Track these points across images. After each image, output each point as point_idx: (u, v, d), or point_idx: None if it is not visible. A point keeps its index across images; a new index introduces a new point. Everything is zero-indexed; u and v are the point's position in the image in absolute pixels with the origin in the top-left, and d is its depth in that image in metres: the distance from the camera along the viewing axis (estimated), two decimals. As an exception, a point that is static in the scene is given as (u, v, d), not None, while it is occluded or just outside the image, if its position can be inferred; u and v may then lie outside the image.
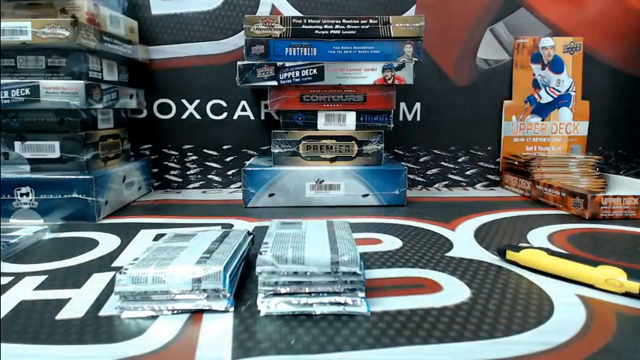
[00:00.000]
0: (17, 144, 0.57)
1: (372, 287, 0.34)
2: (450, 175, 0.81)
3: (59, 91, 0.55)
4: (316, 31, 0.62)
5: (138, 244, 0.47)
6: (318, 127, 0.66)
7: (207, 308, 0.30)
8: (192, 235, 0.38)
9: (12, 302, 0.32)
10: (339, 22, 0.62)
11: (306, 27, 0.62)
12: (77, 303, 0.32)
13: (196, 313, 0.30)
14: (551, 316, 0.30)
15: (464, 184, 0.81)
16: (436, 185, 0.81)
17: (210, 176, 0.79)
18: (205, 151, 0.78)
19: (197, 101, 0.77)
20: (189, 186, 0.79)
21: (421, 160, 0.81)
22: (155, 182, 0.78)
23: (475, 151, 0.81)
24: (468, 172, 0.81)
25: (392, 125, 0.66)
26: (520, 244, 0.42)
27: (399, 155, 0.80)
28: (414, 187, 0.80)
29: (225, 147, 0.78)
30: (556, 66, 0.79)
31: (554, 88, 0.79)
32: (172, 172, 0.78)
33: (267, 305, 0.30)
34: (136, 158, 0.75)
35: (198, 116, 0.77)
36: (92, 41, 0.57)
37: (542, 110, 0.80)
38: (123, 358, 0.25)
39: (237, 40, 0.75)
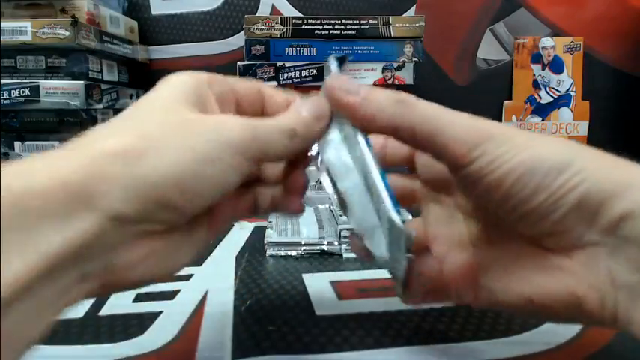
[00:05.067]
0: (17, 144, 0.57)
1: (372, 287, 0.34)
2: (450, 175, 0.81)
3: (59, 91, 0.55)
4: (316, 31, 0.62)
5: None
6: (318, 127, 0.65)
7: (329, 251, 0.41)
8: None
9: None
10: (339, 22, 0.62)
11: (306, 27, 0.62)
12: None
13: (196, 313, 0.30)
14: (551, 316, 0.30)
15: (464, 184, 0.81)
16: (436, 185, 0.81)
17: (210, 176, 0.79)
18: (205, 151, 0.78)
19: (197, 101, 0.77)
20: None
21: (421, 160, 0.81)
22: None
23: (475, 151, 0.81)
24: (468, 172, 0.81)
25: (392, 125, 0.66)
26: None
27: (399, 155, 0.80)
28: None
29: (225, 147, 0.78)
30: (556, 66, 0.79)
31: (554, 88, 0.79)
32: (172, 172, 0.78)
33: None
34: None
35: (198, 116, 0.77)
36: (92, 41, 0.57)
37: (542, 110, 0.80)
38: (123, 358, 0.25)
39: (237, 40, 0.75)
